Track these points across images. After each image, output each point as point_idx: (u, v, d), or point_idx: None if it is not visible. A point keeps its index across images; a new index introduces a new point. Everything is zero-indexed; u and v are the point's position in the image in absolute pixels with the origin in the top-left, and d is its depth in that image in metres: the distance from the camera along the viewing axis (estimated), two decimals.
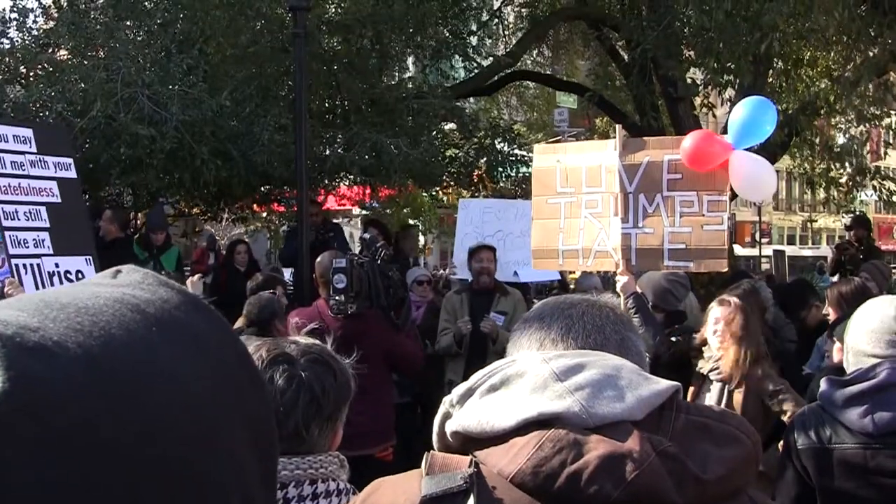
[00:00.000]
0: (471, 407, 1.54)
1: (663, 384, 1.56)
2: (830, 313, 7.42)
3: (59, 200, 8.39)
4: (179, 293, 0.78)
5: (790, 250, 45.70)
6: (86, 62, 11.55)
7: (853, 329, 3.53)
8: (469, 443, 1.53)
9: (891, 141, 21.02)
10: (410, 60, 15.85)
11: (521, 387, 1.52)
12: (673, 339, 6.47)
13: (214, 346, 0.77)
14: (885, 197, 17.18)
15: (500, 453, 1.46)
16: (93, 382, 0.65)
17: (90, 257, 8.48)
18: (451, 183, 16.60)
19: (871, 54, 13.94)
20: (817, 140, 16.08)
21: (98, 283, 0.79)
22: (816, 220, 56.13)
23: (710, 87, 14.31)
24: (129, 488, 0.63)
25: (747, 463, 1.52)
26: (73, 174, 8.64)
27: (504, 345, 8.66)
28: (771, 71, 15.12)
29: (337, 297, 6.44)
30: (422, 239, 31.86)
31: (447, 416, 1.59)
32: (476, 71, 16.87)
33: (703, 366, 6.02)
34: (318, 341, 2.80)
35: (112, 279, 0.80)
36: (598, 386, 1.50)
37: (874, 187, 17.16)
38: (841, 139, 18.72)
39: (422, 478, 1.50)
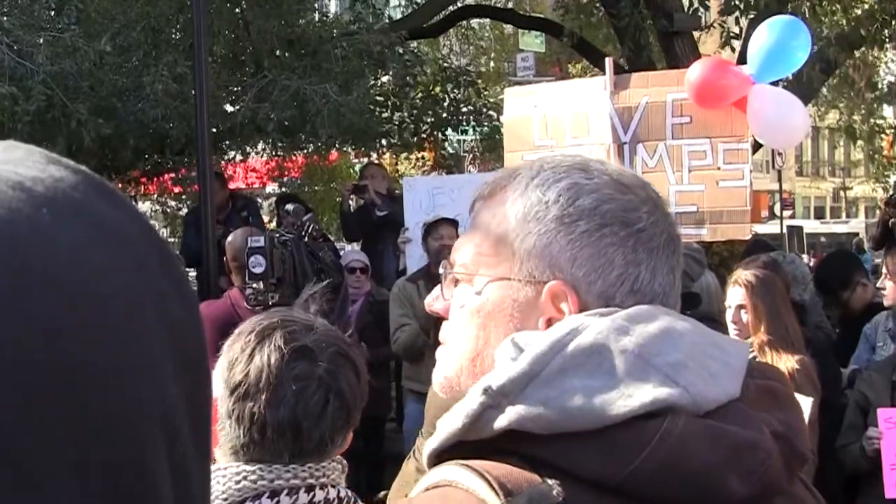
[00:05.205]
0: (537, 395, 1.43)
1: (741, 346, 1.61)
2: None
3: None
4: (77, 172, 0.76)
5: (810, 226, 45.97)
6: None
7: None
8: (520, 441, 1.44)
9: None
10: None
11: (604, 368, 1.44)
12: None
13: (125, 237, 0.75)
14: None
15: (586, 452, 1.40)
16: None
17: None
18: (386, 149, 16.51)
19: None
20: (858, 78, 15.98)
21: None
22: (851, 188, 56.84)
23: (723, 17, 14.15)
24: (22, 396, 0.63)
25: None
26: None
27: None
28: None
29: (254, 285, 6.27)
30: None
31: (488, 406, 1.46)
32: (413, 7, 16.75)
33: None
34: (327, 323, 2.69)
35: None
36: (697, 362, 1.47)
37: None
38: (890, 78, 18.66)
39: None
